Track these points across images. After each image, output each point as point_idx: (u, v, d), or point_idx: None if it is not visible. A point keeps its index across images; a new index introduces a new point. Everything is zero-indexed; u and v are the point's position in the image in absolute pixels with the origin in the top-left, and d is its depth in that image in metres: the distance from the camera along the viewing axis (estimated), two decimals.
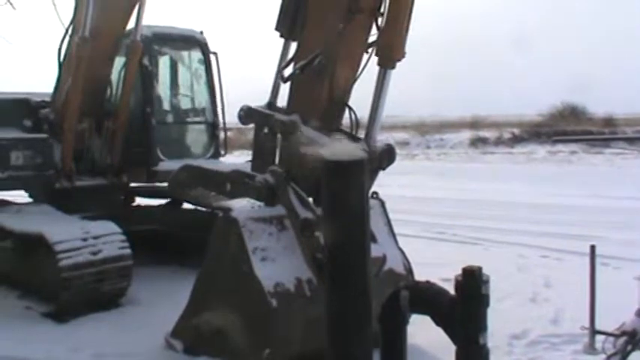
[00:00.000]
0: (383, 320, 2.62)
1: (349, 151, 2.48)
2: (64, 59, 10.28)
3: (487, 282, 2.42)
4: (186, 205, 11.06)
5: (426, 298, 2.56)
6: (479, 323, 2.43)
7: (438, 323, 2.51)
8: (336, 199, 2.41)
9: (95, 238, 8.59)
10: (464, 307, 2.42)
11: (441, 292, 2.50)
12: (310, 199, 6.86)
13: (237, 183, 7.32)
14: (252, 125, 7.55)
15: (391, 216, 7.73)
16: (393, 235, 7.64)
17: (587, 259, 7.29)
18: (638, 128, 39.47)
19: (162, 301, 8.59)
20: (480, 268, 2.48)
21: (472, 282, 2.40)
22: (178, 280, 8.61)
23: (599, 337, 6.93)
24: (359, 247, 2.40)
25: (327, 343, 2.54)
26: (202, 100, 11.78)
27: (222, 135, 11.80)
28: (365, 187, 2.50)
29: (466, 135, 42.33)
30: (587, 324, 7.16)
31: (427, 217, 15.83)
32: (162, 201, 11.49)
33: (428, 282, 2.55)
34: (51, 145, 10.01)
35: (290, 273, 6.60)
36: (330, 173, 2.41)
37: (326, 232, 2.41)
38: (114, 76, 10.65)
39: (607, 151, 34.51)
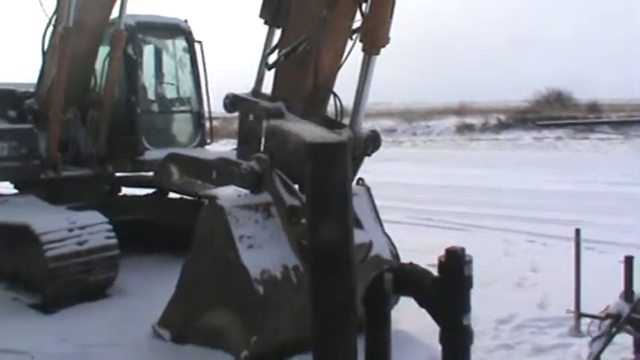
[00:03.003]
0: (367, 303, 2.63)
1: (331, 137, 2.48)
2: (48, 49, 10.23)
3: (470, 263, 2.43)
4: (172, 195, 11.05)
5: (410, 280, 2.57)
6: (462, 304, 2.44)
7: (421, 305, 2.51)
8: (319, 181, 2.41)
9: (81, 228, 8.57)
10: (447, 288, 2.42)
11: (425, 273, 2.51)
12: (296, 186, 6.87)
13: (222, 171, 7.32)
14: (237, 113, 7.54)
15: (377, 202, 7.74)
16: (379, 221, 7.65)
17: (572, 244, 7.33)
18: (622, 114, 39.63)
19: (149, 291, 8.58)
20: (462, 249, 2.49)
21: (455, 263, 2.41)
22: (165, 270, 8.59)
23: (585, 320, 6.98)
24: (342, 228, 2.40)
25: (311, 328, 2.55)
26: (187, 88, 11.75)
27: (207, 124, 11.78)
28: (348, 168, 2.50)
29: (452, 122, 42.39)
30: (572, 307, 7.22)
31: (413, 204, 15.87)
32: (149, 190, 11.47)
33: (411, 264, 2.56)
34: (36, 135, 9.97)
35: (276, 260, 6.61)
36: (312, 155, 2.41)
37: (308, 214, 2.41)
38: (98, 65, 10.60)
39: (593, 136, 34.65)
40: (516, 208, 14.92)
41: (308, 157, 2.44)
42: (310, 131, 2.90)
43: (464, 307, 2.45)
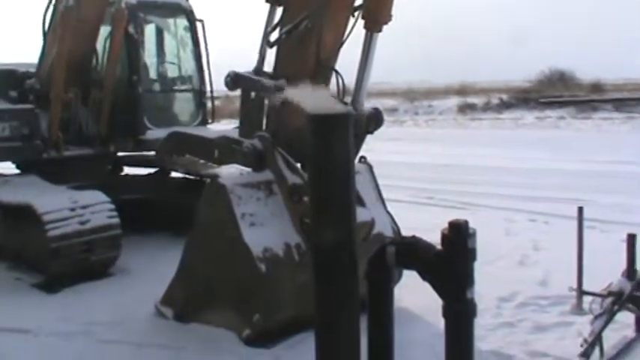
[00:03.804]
0: (370, 276, 2.62)
1: (332, 105, 2.47)
2: (49, 28, 10.20)
3: (474, 235, 2.42)
4: (174, 174, 11.05)
5: (413, 253, 2.56)
6: (466, 277, 2.43)
7: (424, 278, 2.51)
8: (321, 152, 2.40)
9: (83, 207, 8.58)
10: (450, 261, 2.41)
11: (428, 246, 2.50)
12: (298, 165, 6.87)
13: (224, 149, 7.31)
14: (239, 92, 7.52)
15: (379, 181, 7.73)
16: (382, 199, 7.65)
17: (574, 223, 7.34)
18: (625, 94, 39.53)
19: (151, 270, 8.61)
20: (466, 222, 2.48)
21: (458, 236, 2.40)
22: (167, 249, 8.61)
23: (587, 299, 7.00)
24: (344, 199, 2.39)
25: (315, 303, 2.54)
26: (189, 67, 11.71)
27: (209, 103, 11.77)
28: (351, 139, 2.49)
29: (454, 101, 42.30)
30: (574, 286, 7.23)
31: (415, 183, 15.86)
32: (150, 170, 11.46)
33: (414, 237, 2.55)
34: (37, 115, 9.95)
35: (278, 238, 6.61)
36: (315, 126, 2.40)
37: (311, 185, 2.40)
38: (99, 45, 10.56)
39: (595, 116, 34.56)
40: (518, 187, 14.91)
41: (310, 127, 2.43)
42: (315, 100, 2.87)
43: (467, 280, 2.44)
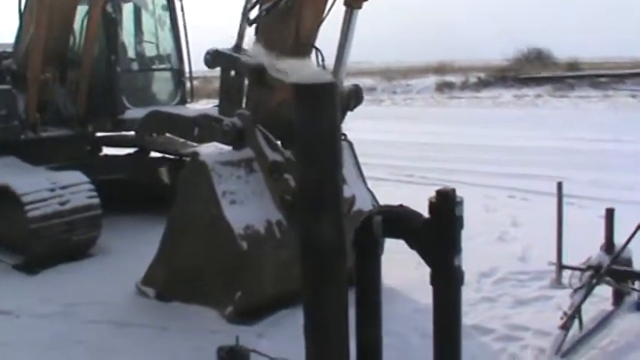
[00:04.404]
0: (356, 246, 2.63)
1: (318, 75, 2.47)
2: (25, 8, 10.11)
3: (461, 204, 2.44)
4: (153, 154, 11.00)
5: (400, 222, 2.57)
6: (453, 245, 2.45)
7: (412, 246, 2.52)
8: (308, 122, 2.40)
9: (63, 188, 8.54)
10: (438, 228, 2.43)
11: (415, 215, 2.51)
12: (279, 142, 6.86)
13: (204, 127, 7.29)
14: (217, 72, 7.50)
15: (360, 159, 7.76)
16: (362, 176, 7.67)
17: (552, 199, 7.40)
18: (602, 71, 39.70)
19: (132, 250, 8.59)
20: (453, 190, 2.50)
21: (446, 203, 2.41)
22: (147, 228, 8.58)
23: (566, 273, 7.07)
24: (331, 171, 2.39)
25: (301, 278, 2.55)
26: (167, 47, 11.63)
27: (188, 82, 11.71)
28: (338, 108, 2.49)
29: (432, 80, 42.29)
30: (554, 260, 7.30)
31: (395, 161, 15.90)
32: (130, 150, 11.41)
33: (401, 205, 2.56)
34: (14, 96, 9.86)
35: (260, 215, 6.62)
36: (301, 96, 2.39)
37: (297, 157, 2.40)
38: (77, 24, 10.47)
39: (572, 94, 34.72)
40: (497, 165, 14.99)
41: (295, 98, 2.43)
42: (300, 71, 2.85)
43: (455, 247, 2.46)
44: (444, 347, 2.65)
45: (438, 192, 2.47)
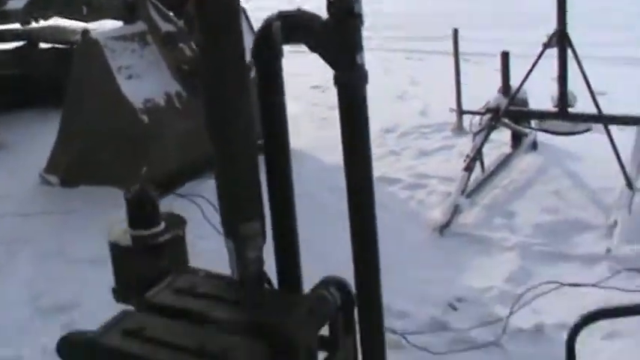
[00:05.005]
0: (256, 57, 2.59)
1: None
2: None
3: (359, 1, 2.41)
4: (43, 45, 10.61)
5: (299, 25, 2.51)
6: (354, 42, 2.42)
7: (313, 49, 2.49)
8: None
9: None
10: (338, 28, 2.39)
11: (314, 17, 2.46)
12: (170, 13, 6.73)
13: (93, 5, 7.09)
14: None
15: None
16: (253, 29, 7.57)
17: (448, 59, 7.52)
18: None
19: (30, 143, 8.33)
20: None
21: (344, 1, 2.38)
22: (46, 121, 8.32)
23: (467, 123, 7.26)
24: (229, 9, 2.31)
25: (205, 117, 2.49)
26: None
27: None
28: None
29: None
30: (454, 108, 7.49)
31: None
32: (17, 43, 10.97)
33: (299, 9, 2.51)
34: None
35: (158, 88, 6.53)
36: None
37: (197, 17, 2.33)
38: None
39: None
40: (392, 29, 14.91)
41: None
42: None
43: (356, 44, 2.44)
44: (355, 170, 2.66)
45: None
